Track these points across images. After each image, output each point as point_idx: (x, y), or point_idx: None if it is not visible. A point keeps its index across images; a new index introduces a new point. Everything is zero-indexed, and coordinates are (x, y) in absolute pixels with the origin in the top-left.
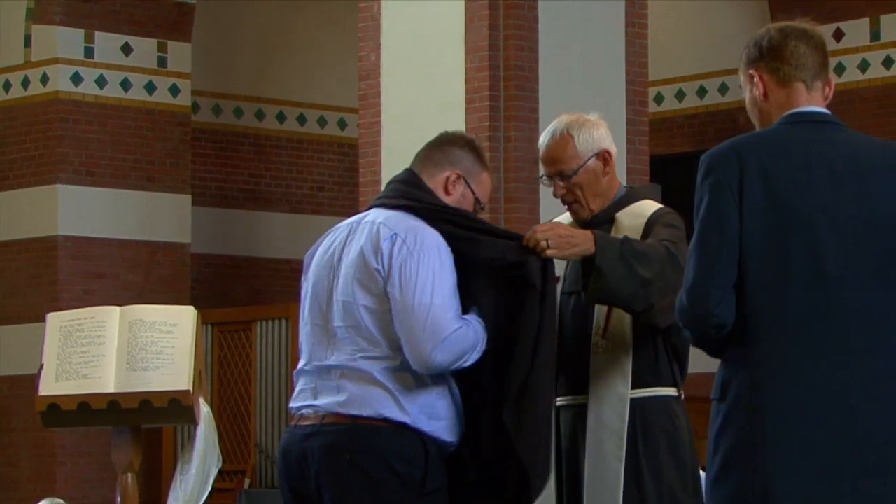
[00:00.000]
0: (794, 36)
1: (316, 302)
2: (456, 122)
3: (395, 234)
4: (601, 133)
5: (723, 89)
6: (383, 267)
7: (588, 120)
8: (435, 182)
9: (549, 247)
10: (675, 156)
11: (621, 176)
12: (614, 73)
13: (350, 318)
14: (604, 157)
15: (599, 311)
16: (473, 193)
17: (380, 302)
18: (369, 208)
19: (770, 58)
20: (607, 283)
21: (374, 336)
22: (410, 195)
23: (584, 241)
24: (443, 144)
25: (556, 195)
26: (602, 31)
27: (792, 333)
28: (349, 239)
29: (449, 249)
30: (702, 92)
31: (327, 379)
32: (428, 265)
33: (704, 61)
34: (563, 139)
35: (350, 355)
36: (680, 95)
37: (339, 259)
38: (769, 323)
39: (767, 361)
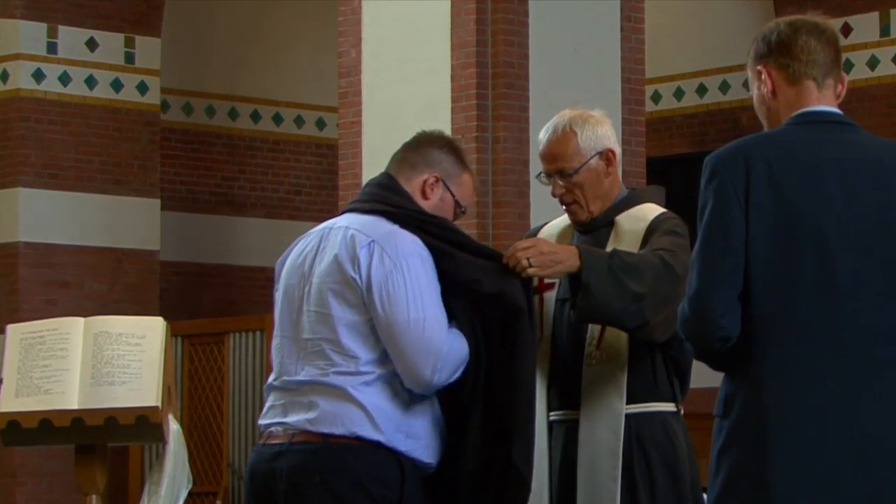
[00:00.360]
0: (805, 30)
1: (286, 313)
2: (441, 121)
3: (372, 241)
4: (605, 131)
5: (724, 87)
6: (361, 277)
7: (592, 116)
8: (412, 186)
9: (530, 265)
10: (674, 157)
11: None
12: (609, 70)
13: (323, 330)
14: (607, 156)
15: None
16: (453, 196)
17: (357, 313)
18: (342, 213)
19: (779, 53)
20: (595, 299)
21: (348, 350)
22: (386, 200)
23: (569, 258)
24: (420, 146)
25: (554, 194)
26: (596, 26)
27: (801, 347)
28: (321, 246)
29: (429, 253)
30: (702, 90)
31: (298, 395)
32: (414, 276)
33: (704, 58)
34: (566, 135)
35: (322, 370)
36: (679, 94)
37: (311, 267)
38: (776, 335)
39: (774, 376)
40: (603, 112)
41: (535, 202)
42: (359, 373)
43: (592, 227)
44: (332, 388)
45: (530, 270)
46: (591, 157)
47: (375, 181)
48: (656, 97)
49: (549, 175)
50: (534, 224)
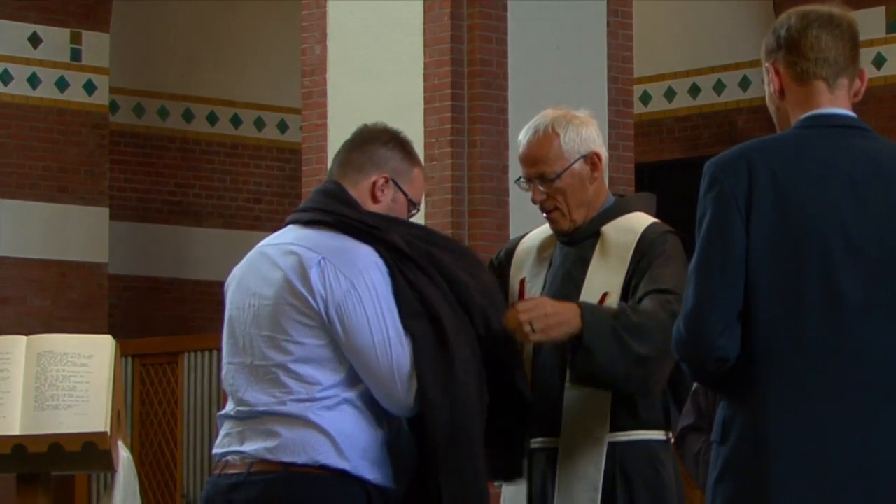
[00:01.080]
0: (818, 24)
1: (233, 338)
2: (413, 123)
3: (322, 258)
4: (590, 133)
5: (719, 87)
6: (316, 298)
7: (577, 117)
8: (360, 190)
9: (533, 330)
10: (664, 163)
11: None
12: (595, 69)
13: (277, 355)
14: (592, 160)
15: None
16: (406, 196)
17: (315, 336)
18: (285, 224)
19: (787, 49)
20: (596, 363)
21: (305, 375)
22: (333, 210)
23: (574, 318)
24: (364, 144)
25: (534, 201)
26: (581, 21)
27: (805, 370)
28: (267, 265)
29: (383, 262)
30: (694, 90)
31: (255, 423)
32: (373, 293)
33: (698, 55)
34: (547, 137)
35: (277, 398)
36: (669, 94)
37: (259, 288)
38: (778, 357)
39: (775, 401)
40: (589, 113)
41: (515, 211)
42: (320, 398)
43: (576, 238)
44: (291, 416)
45: (534, 337)
46: (575, 161)
47: (320, 189)
48: (645, 98)
49: (528, 180)
50: (513, 235)
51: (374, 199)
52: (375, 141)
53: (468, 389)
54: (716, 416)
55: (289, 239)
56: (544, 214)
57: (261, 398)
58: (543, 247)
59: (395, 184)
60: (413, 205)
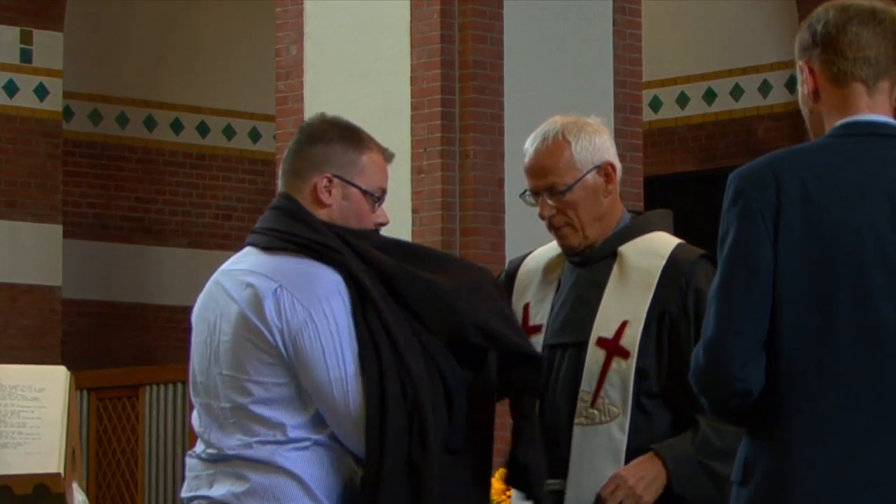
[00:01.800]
0: (858, 19)
1: (195, 376)
2: (399, 132)
3: (280, 286)
4: (604, 141)
5: (736, 93)
6: (271, 332)
7: (589, 124)
8: (305, 198)
9: None
10: (676, 176)
11: None
12: (600, 72)
13: (237, 396)
14: (606, 171)
15: (590, 370)
16: (359, 188)
17: (276, 374)
18: (245, 245)
19: (823, 47)
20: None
21: (269, 418)
22: (290, 231)
23: (657, 472)
24: (301, 147)
25: (542, 216)
26: (584, 20)
27: (836, 404)
28: (224, 295)
29: (346, 288)
30: (710, 96)
31: (225, 466)
32: (331, 324)
33: (713, 57)
34: (557, 145)
35: (243, 441)
36: (682, 100)
37: (216, 322)
38: (807, 391)
39: (804, 439)
40: (600, 120)
41: (513, 229)
42: (288, 440)
43: (590, 259)
44: (258, 461)
45: None
46: (588, 172)
47: (274, 205)
48: (656, 104)
49: (535, 193)
50: (510, 256)
51: (321, 204)
52: (312, 140)
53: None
54: (737, 454)
55: (245, 265)
56: (552, 231)
57: (227, 441)
58: (550, 268)
59: (342, 179)
60: (371, 196)
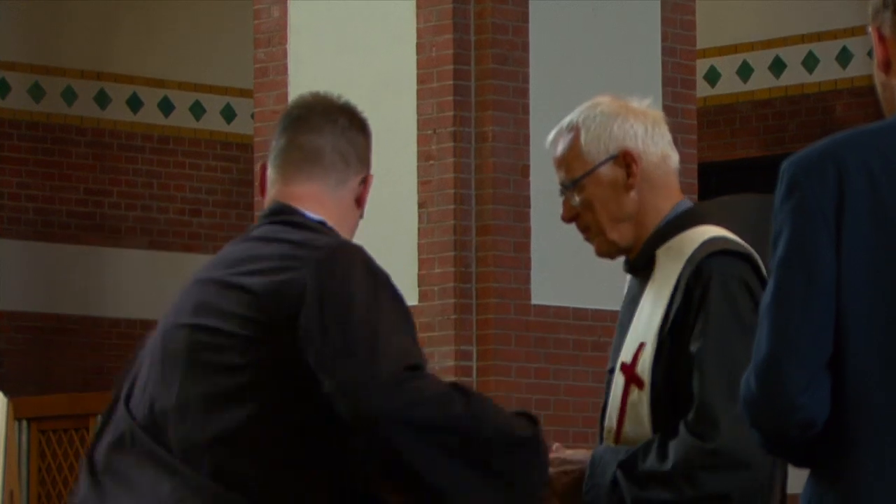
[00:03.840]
0: None
1: None
2: (402, 109)
3: None
4: (626, 126)
5: (810, 63)
6: None
7: (612, 106)
8: (340, 195)
9: None
10: (737, 163)
11: None
12: (644, 38)
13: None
14: (625, 160)
15: (613, 403)
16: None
17: None
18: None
19: (895, 9)
20: None
21: None
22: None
23: (580, 465)
24: (336, 122)
25: (563, 218)
26: None
27: None
28: None
29: None
30: (778, 66)
31: None
32: None
33: (782, 21)
34: (568, 132)
35: None
36: (745, 72)
37: None
38: (880, 420)
39: (876, 479)
40: (647, 103)
41: (539, 227)
42: None
43: (634, 267)
44: None
45: None
46: (601, 164)
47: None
48: (713, 76)
49: (561, 190)
50: (536, 258)
51: (358, 204)
52: (341, 114)
53: None
54: (801, 497)
55: None
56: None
57: None
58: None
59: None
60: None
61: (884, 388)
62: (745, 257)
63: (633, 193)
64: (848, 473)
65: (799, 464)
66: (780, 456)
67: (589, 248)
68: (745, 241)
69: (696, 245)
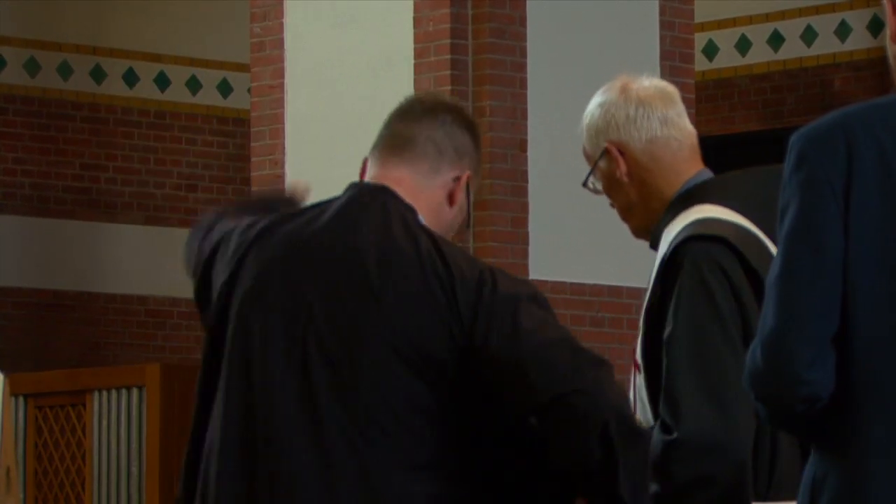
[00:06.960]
0: None
1: None
2: (398, 83)
3: None
4: (608, 117)
5: (808, 36)
6: None
7: (603, 96)
8: (433, 186)
9: None
10: (735, 137)
11: None
12: (642, 11)
13: None
14: (608, 152)
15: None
16: (469, 203)
17: None
18: None
19: None
20: None
21: None
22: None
23: None
24: (436, 115)
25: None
26: None
27: None
28: None
29: None
30: (776, 40)
31: None
32: None
33: None
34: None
35: None
36: (743, 45)
37: None
38: (886, 394)
39: (882, 456)
40: (653, 84)
41: (538, 202)
42: None
43: (653, 247)
44: None
45: None
46: (597, 161)
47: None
48: (711, 50)
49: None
50: (534, 233)
51: (451, 201)
52: (449, 113)
53: None
54: (804, 474)
55: None
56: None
57: None
58: None
59: (468, 187)
60: (469, 217)
61: (891, 364)
62: (724, 241)
63: (629, 182)
64: (853, 451)
65: (804, 438)
66: (786, 430)
67: (587, 224)
68: (753, 218)
69: (675, 232)
